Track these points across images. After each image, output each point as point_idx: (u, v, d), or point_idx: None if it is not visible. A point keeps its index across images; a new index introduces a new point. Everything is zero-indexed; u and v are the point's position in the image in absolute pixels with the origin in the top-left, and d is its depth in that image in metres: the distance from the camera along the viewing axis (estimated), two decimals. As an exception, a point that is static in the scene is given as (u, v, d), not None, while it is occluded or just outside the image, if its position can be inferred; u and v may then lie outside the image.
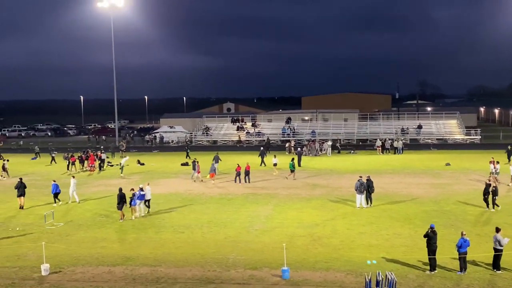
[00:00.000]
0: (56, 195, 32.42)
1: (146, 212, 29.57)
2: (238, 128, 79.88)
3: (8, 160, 46.81)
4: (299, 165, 48.15)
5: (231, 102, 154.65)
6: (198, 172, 41.00)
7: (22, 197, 31.78)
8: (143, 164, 51.69)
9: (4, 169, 44.54)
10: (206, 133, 79.82)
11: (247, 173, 39.73)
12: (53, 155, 54.36)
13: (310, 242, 23.20)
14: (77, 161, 48.95)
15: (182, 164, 50.27)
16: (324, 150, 59.45)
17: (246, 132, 78.19)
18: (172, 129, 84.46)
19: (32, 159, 58.67)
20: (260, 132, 77.37)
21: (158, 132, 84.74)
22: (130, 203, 28.63)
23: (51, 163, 53.17)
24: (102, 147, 59.94)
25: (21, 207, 31.42)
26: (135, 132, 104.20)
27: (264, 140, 69.72)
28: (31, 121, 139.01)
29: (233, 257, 21.19)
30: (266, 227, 26.00)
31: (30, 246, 22.91)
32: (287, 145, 64.01)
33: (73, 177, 34.73)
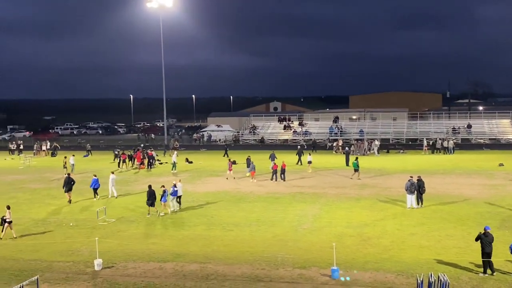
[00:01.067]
0: (95, 189, 33.70)
1: (178, 208, 30.05)
2: (285, 127, 79.78)
3: (74, 156, 48.15)
4: (347, 164, 47.75)
5: (278, 101, 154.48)
6: (230, 170, 41.43)
7: (70, 192, 32.99)
8: (191, 162, 52.26)
9: (65, 166, 45.86)
10: (253, 132, 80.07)
11: (282, 171, 39.88)
12: (116, 152, 55.10)
13: (359, 242, 22.95)
14: (127, 158, 49.95)
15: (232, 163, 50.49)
16: (372, 149, 58.75)
17: (293, 131, 78.02)
18: (219, 128, 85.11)
19: (84, 156, 60.14)
20: (307, 131, 77.06)
21: (205, 131, 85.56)
22: (161, 200, 29.17)
23: (114, 160, 53.96)
24: (150, 145, 60.99)
25: (69, 202, 32.60)
26: (183, 130, 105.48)
27: (300, 140, 69.46)
28: (83, 119, 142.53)
29: (282, 256, 21.17)
30: (314, 226, 25.88)
31: (84, 241, 23.49)
32: (334, 144, 63.59)
33: (112, 172, 35.64)
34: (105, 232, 25.48)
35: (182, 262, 20.66)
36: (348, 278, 18.45)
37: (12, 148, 67.09)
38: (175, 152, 50.92)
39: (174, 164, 46.38)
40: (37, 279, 17.70)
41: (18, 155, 63.34)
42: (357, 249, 21.98)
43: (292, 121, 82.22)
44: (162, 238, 24.44)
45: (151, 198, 28.88)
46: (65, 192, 33.21)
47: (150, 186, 29.64)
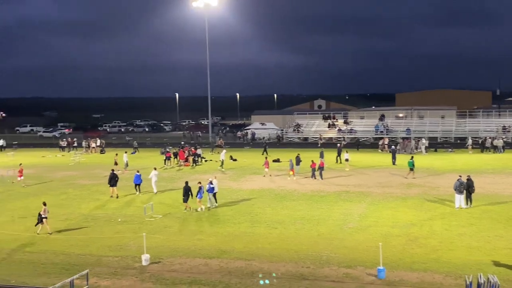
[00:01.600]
0: (137, 185, 34.84)
1: (215, 205, 30.41)
2: (329, 125, 79.29)
3: (126, 153, 49.12)
4: (394, 163, 47.13)
5: (322, 99, 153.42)
6: (267, 167, 41.74)
7: (114, 188, 33.99)
8: (235, 160, 52.52)
9: (116, 163, 46.84)
10: (297, 130, 79.86)
11: (321, 169, 39.82)
12: (163, 150, 55.63)
13: (406, 242, 22.63)
14: (172, 156, 50.65)
15: (274, 161, 50.52)
16: (420, 148, 57.76)
17: (338, 129, 77.43)
18: (263, 126, 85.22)
19: (132, 153, 61.20)
20: (352, 130, 76.37)
21: (249, 129, 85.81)
22: (197, 196, 29.57)
23: (170, 158, 54.30)
24: (195, 143, 61.59)
25: (112, 196, 33.74)
26: (228, 128, 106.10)
27: (341, 138, 68.88)
28: (130, 117, 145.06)
29: (327, 255, 21.09)
30: (360, 226, 25.65)
31: (131, 237, 23.96)
32: (380, 142, 62.80)
33: (155, 168, 36.44)
34: (152, 227, 25.91)
35: (227, 259, 20.83)
36: (267, 281, 18.28)
37: (63, 145, 68.90)
38: (224, 150, 51.20)
39: (222, 162, 46.76)
40: (87, 273, 18.18)
41: (69, 151, 65.06)
42: (403, 249, 21.68)
43: (336, 119, 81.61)
44: (207, 234, 24.68)
45: (186, 194, 29.55)
46: (110, 186, 34.16)
47: (186, 183, 30.20)
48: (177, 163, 50.25)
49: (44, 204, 25.61)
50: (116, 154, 49.29)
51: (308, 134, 78.55)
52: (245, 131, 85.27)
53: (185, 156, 50.33)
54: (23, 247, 23.08)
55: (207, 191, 30.22)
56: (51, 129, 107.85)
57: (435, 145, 60.53)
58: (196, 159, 50.68)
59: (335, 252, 21.36)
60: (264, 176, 41.48)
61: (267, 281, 18.33)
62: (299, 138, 77.64)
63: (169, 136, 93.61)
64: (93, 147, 65.32)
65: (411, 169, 39.48)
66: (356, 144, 63.81)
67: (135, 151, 62.40)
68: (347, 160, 45.39)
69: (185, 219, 27.87)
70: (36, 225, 25.25)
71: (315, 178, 39.55)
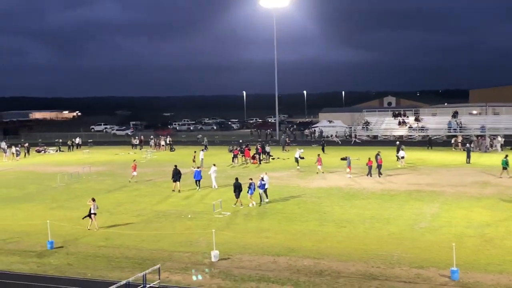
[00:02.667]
0: (198, 181, 36.07)
1: (266, 201, 30.91)
2: (399, 123, 77.62)
3: (203, 151, 51.12)
4: (468, 162, 45.62)
5: (392, 96, 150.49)
6: (320, 165, 42.02)
7: (177, 182, 35.34)
8: (302, 158, 52.22)
9: (194, 160, 47.86)
10: (366, 127, 78.68)
11: (379, 167, 39.45)
12: (235, 147, 56.19)
13: (480, 243, 21.82)
14: (239, 154, 51.09)
15: (342, 159, 50.00)
16: (495, 146, 55.59)
17: (409, 127, 75.70)
18: (331, 124, 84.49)
19: (201, 151, 62.12)
20: (423, 127, 74.43)
21: (317, 126, 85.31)
22: (248, 192, 30.06)
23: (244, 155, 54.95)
24: (262, 141, 61.83)
25: (174, 191, 35.15)
26: (295, 126, 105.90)
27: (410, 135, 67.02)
28: (199, 115, 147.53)
29: (398, 255, 20.63)
30: (432, 226, 24.94)
31: (201, 233, 24.31)
32: (453, 140, 60.91)
33: (214, 165, 37.54)
34: (221, 224, 26.20)
35: (295, 257, 20.77)
36: (200, 277, 18.58)
37: (135, 143, 70.90)
38: (299, 149, 50.63)
39: (296, 160, 46.40)
40: (159, 268, 18.62)
41: (140, 149, 66.91)
42: (478, 250, 20.92)
43: (407, 116, 79.79)
44: (275, 232, 24.70)
45: (237, 190, 30.25)
46: (173, 182, 35.56)
47: (236, 179, 31.00)
48: (244, 161, 50.58)
49: (93, 200, 26.42)
50: (195, 152, 50.45)
51: (378, 131, 77.22)
52: (312, 129, 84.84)
53: (252, 154, 50.62)
54: (98, 241, 23.88)
55: (258, 187, 30.81)
56: (124, 127, 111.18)
57: (511, 143, 58.04)
58: (263, 157, 50.88)
59: (406, 252, 20.87)
60: (317, 173, 41.65)
61: (199, 276, 18.76)
62: (368, 136, 76.45)
63: (236, 134, 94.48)
64: (163, 145, 66.85)
65: (504, 168, 37.89)
66: (428, 142, 62.12)
67: (205, 149, 63.31)
68: (403, 157, 45.19)
69: (253, 216, 28.02)
70: (83, 218, 26.20)
71: (370, 176, 39.24)
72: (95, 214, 26.01)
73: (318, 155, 44.46)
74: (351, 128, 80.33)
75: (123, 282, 17.08)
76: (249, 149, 51.71)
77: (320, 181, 38.41)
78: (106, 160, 56.68)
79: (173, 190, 35.35)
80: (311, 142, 73.90)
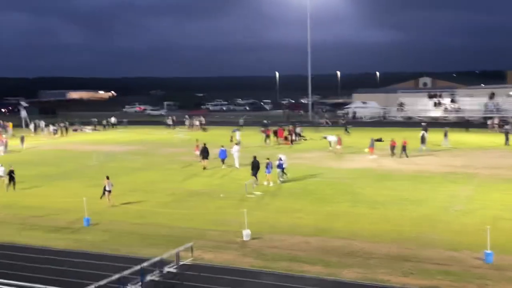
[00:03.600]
0: (223, 159, 37.17)
1: (285, 178, 31.67)
2: (435, 104, 76.38)
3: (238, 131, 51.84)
4: (506, 143, 44.76)
5: (428, 77, 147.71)
6: (339, 144, 42.44)
7: (205, 160, 36.78)
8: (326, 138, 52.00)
9: (232, 140, 48.26)
10: (401, 109, 77.65)
11: (403, 148, 39.44)
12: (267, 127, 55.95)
13: (516, 227, 21.47)
14: (272, 134, 51.08)
15: (376, 140, 49.55)
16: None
17: (444, 109, 74.47)
18: (364, 105, 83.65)
19: (233, 131, 62.36)
20: (459, 109, 73.11)
21: (350, 107, 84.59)
22: (265, 171, 30.67)
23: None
24: (295, 122, 61.66)
25: (204, 168, 36.41)
26: (328, 107, 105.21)
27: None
28: (231, 96, 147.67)
29: (431, 237, 20.46)
30: (466, 208, 24.61)
31: (233, 213, 24.50)
32: (489, 122, 59.74)
33: (236, 144, 39.07)
34: (253, 204, 26.34)
35: (327, 237, 20.79)
36: None
37: (169, 123, 71.55)
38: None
39: (330, 143, 45.62)
40: (192, 246, 18.88)
41: (173, 129, 67.54)
42: (514, 233, 20.59)
43: (443, 98, 78.43)
44: (307, 213, 24.73)
45: (254, 168, 30.83)
46: (201, 159, 36.95)
47: (254, 157, 31.63)
48: (277, 141, 50.56)
49: (107, 177, 27.08)
50: (233, 131, 50.81)
51: (413, 113, 76.16)
52: (345, 110, 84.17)
53: (285, 135, 50.56)
54: (133, 219, 24.31)
55: (277, 166, 31.41)
56: (158, 107, 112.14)
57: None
58: (295, 138, 50.79)
59: (440, 234, 20.68)
60: (335, 153, 42.36)
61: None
62: (402, 117, 75.50)
63: (269, 114, 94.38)
64: (196, 125, 67.30)
65: None
66: (465, 124, 61.09)
67: (238, 129, 63.50)
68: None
69: (285, 197, 28.08)
70: (101, 198, 26.91)
71: (392, 157, 39.62)
72: (109, 191, 26.80)
73: (338, 135, 44.59)
74: (385, 109, 79.41)
75: (157, 258, 17.40)
76: (283, 130, 51.67)
77: (352, 163, 38.20)
78: (140, 139, 57.42)
79: (204, 168, 36.38)
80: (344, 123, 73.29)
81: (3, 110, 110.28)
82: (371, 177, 32.78)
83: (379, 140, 48.95)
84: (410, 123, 69.90)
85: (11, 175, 30.82)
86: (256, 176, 30.71)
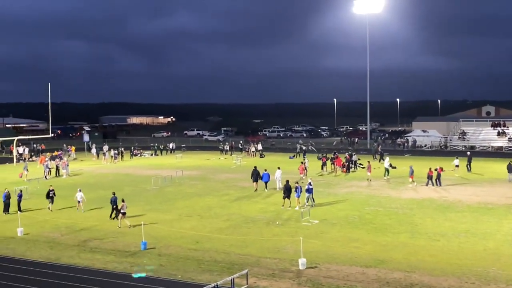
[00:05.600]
0: (266, 183, 38.36)
1: (313, 205, 32.14)
2: (498, 133, 73.97)
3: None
4: None
5: (491, 105, 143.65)
6: (369, 172, 43.28)
7: (256, 182, 38.34)
8: (394, 167, 50.95)
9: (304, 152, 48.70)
10: (463, 137, 75.62)
11: (438, 176, 39.09)
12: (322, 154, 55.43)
13: None
14: (328, 161, 50.62)
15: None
16: None
17: (509, 138, 71.98)
18: (425, 133, 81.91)
19: (290, 157, 62.32)
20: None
21: (410, 136, 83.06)
22: (295, 195, 31.68)
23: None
24: (352, 149, 60.98)
25: (255, 190, 38.09)
26: (387, 135, 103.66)
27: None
28: (289, 122, 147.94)
29: (494, 271, 19.60)
30: (533, 243, 23.50)
31: (289, 240, 24.27)
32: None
33: (279, 168, 39.81)
34: (309, 232, 26.04)
35: (385, 269, 20.26)
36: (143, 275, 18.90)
37: (225, 149, 72.15)
38: (387, 157, 49.70)
39: (386, 170, 45.09)
40: (247, 273, 18.77)
41: (231, 155, 68.05)
42: None
43: (507, 127, 75.89)
44: (364, 242, 24.22)
45: (286, 192, 31.81)
46: (252, 181, 38.66)
47: (287, 182, 32.61)
48: (333, 169, 50.02)
49: (123, 200, 28.22)
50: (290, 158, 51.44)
51: (475, 142, 74.02)
52: (405, 138, 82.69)
53: (342, 162, 49.98)
54: (188, 244, 24.46)
55: (306, 191, 32.01)
56: (215, 133, 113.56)
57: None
58: (351, 165, 50.16)
59: (504, 269, 19.78)
60: (368, 180, 42.56)
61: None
62: (464, 146, 73.47)
63: (326, 141, 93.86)
64: (253, 151, 67.58)
65: None
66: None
67: (294, 156, 63.41)
68: (457, 166, 47.08)
69: (342, 225, 27.64)
70: (113, 218, 29.13)
71: (426, 185, 39.34)
72: (124, 213, 27.79)
73: (368, 162, 45.48)
74: (446, 138, 77.54)
75: (212, 285, 17.37)
76: (337, 157, 51.11)
77: (412, 192, 37.31)
78: (197, 164, 58.13)
79: (255, 190, 38.07)
80: (404, 151, 72.02)
81: (70, 134, 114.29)
82: (432, 207, 31.88)
83: (393, 167, 47.42)
84: (473, 153, 67.83)
85: (49, 194, 32.55)
86: (289, 199, 31.90)
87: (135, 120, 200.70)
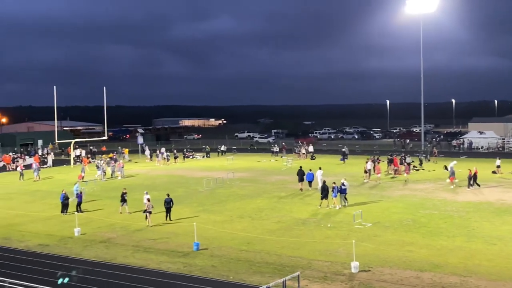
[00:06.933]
0: (309, 182, 39.52)
1: (346, 204, 32.81)
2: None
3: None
4: None
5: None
6: (378, 173, 43.46)
7: (301, 182, 39.52)
8: (447, 169, 49.78)
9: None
10: (521, 139, 73.15)
11: (474, 177, 38.63)
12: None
13: None
14: (384, 163, 49.79)
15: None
16: None
17: None
18: (481, 135, 79.64)
19: (341, 160, 61.71)
20: None
21: (466, 137, 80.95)
22: (332, 195, 32.39)
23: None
24: (406, 152, 59.83)
25: (301, 190, 39.20)
26: (441, 136, 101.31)
27: None
28: (340, 124, 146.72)
29: (557, 278, 18.85)
30: None
31: (341, 243, 24.04)
32: None
33: (320, 168, 40.45)
34: (361, 235, 25.71)
35: (440, 273, 19.79)
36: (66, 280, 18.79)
37: (275, 150, 72.12)
38: (454, 161, 47.58)
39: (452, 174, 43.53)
40: (298, 275, 18.70)
41: (281, 157, 67.97)
42: None
43: None
44: (419, 246, 23.74)
45: (323, 192, 32.66)
46: (298, 181, 39.73)
47: (324, 182, 33.63)
48: (391, 172, 49.03)
49: (148, 200, 29.71)
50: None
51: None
52: (461, 139, 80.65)
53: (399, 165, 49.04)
54: (240, 245, 24.58)
55: (339, 191, 32.52)
56: (266, 135, 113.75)
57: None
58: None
59: None
60: (379, 183, 42.57)
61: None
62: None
63: (378, 143, 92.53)
64: (303, 153, 67.28)
65: None
66: None
67: (344, 158, 62.79)
68: (498, 167, 46.89)
69: (395, 228, 27.16)
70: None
71: (467, 188, 38.76)
72: (150, 212, 28.94)
73: (408, 164, 46.83)
74: (503, 139, 75.16)
75: (264, 287, 17.38)
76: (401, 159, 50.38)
77: (468, 195, 36.31)
78: (248, 166, 58.34)
79: (300, 189, 39.20)
80: (459, 153, 70.21)
81: (122, 137, 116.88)
82: (489, 210, 30.95)
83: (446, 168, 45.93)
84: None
85: (123, 197, 32.43)
86: (326, 198, 32.67)
87: (187, 122, 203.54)
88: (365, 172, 45.13)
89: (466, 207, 32.10)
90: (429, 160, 57.69)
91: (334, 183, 33.39)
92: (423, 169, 50.90)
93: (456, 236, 25.35)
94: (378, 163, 47.13)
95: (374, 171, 44.59)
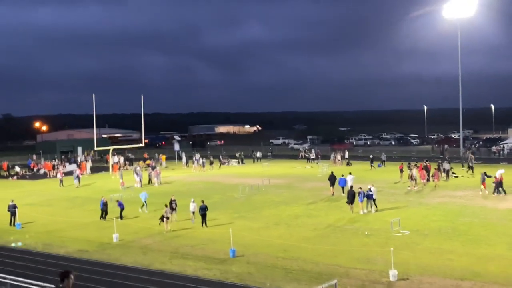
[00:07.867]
0: (343, 188, 39.47)
1: (374, 210, 33.06)
2: None
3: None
4: None
5: None
6: (423, 179, 43.78)
7: (332, 187, 40.42)
8: (489, 176, 48.62)
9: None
10: None
11: (499, 184, 38.24)
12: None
13: None
14: (415, 169, 48.94)
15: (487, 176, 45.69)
16: None
17: None
18: (522, 140, 77.80)
19: (378, 166, 61.12)
20: None
21: (506, 143, 79.18)
22: (359, 200, 32.66)
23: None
24: (444, 158, 58.83)
25: (333, 194, 40.06)
26: (481, 142, 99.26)
27: None
28: (377, 130, 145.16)
29: None
30: None
31: (378, 251, 23.77)
32: None
33: (350, 173, 40.90)
34: (400, 243, 25.35)
35: (481, 282, 19.39)
36: None
37: (311, 157, 71.85)
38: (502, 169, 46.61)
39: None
40: (335, 283, 18.53)
41: (317, 163, 67.67)
42: None
43: None
44: (459, 254, 23.29)
45: (350, 197, 33.10)
46: (330, 186, 40.82)
47: (351, 187, 34.11)
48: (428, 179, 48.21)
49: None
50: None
51: None
52: (501, 145, 78.90)
53: (432, 173, 48.18)
54: (276, 252, 24.53)
55: (366, 196, 32.76)
56: (301, 141, 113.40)
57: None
58: (441, 175, 48.29)
59: None
60: (434, 187, 42.20)
61: None
62: None
63: (416, 149, 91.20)
64: (339, 159, 66.83)
65: None
66: None
67: (381, 164, 62.16)
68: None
69: (434, 236, 26.71)
70: (160, 224, 29.79)
71: (493, 194, 38.38)
72: (168, 218, 29.38)
73: (435, 168, 46.20)
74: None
75: (300, 294, 17.30)
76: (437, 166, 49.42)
77: (506, 203, 35.46)
78: (283, 173, 58.27)
79: (332, 194, 40.01)
80: (499, 159, 68.68)
81: (158, 144, 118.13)
82: (531, 218, 30.17)
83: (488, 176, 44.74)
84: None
85: (171, 205, 31.34)
86: (352, 203, 32.95)
87: (222, 129, 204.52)
88: (411, 179, 43.81)
89: (508, 215, 31.36)
90: (463, 167, 56.41)
91: (360, 188, 33.60)
92: (462, 176, 49.94)
93: (497, 244, 24.79)
94: (428, 169, 47.24)
95: (419, 178, 44.18)
